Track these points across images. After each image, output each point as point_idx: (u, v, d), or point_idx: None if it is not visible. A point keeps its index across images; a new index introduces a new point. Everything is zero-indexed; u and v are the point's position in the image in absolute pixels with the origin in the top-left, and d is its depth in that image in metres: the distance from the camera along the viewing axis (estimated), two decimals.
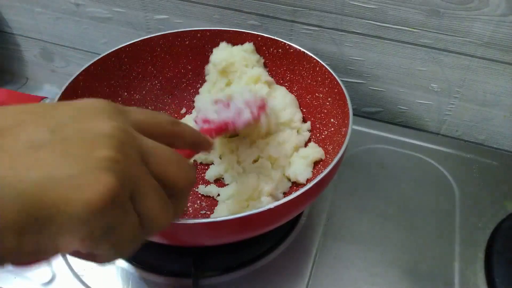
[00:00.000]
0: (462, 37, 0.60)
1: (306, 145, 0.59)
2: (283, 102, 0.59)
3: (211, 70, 0.63)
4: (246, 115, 0.48)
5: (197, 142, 0.32)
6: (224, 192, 0.54)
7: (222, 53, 0.62)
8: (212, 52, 0.65)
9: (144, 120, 0.27)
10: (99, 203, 0.20)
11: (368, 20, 0.63)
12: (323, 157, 0.56)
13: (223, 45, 0.63)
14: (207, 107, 0.49)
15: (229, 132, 0.50)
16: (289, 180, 0.56)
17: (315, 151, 0.56)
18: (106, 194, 0.21)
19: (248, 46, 0.62)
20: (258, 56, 0.63)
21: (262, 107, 0.52)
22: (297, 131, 0.59)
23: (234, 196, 0.52)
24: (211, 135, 0.45)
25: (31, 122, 0.21)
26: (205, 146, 0.34)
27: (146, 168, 0.24)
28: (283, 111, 0.59)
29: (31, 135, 0.21)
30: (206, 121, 0.46)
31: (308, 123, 0.61)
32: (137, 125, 0.25)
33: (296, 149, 0.57)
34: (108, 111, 0.24)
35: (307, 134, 0.60)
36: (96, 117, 0.23)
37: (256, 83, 0.60)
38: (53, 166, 0.20)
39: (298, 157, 0.56)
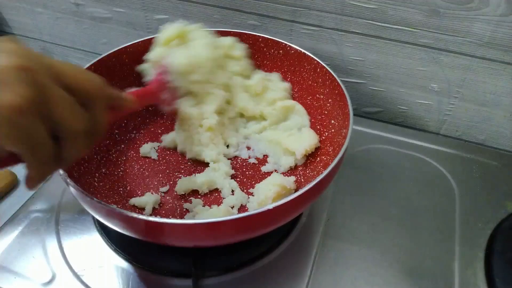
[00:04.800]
0: (462, 37, 0.60)
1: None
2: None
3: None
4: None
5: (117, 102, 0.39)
6: None
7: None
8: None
9: (66, 73, 0.31)
10: (14, 108, 0.26)
11: (368, 20, 0.63)
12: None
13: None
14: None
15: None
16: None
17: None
18: (20, 101, 0.26)
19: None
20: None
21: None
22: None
23: None
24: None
25: None
26: (124, 104, 0.40)
27: (54, 80, 0.29)
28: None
29: None
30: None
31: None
32: (57, 74, 0.30)
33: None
34: (30, 54, 0.29)
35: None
36: (7, 40, 0.29)
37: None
38: None
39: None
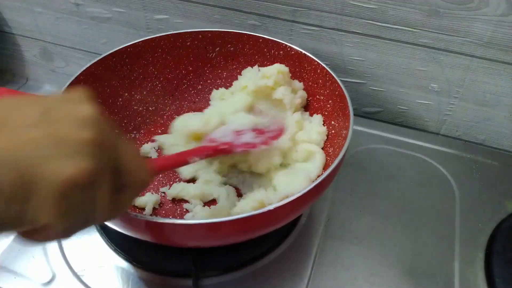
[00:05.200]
0: (462, 37, 0.60)
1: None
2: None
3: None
4: (248, 141, 0.49)
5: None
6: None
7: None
8: (214, 52, 0.65)
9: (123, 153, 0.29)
10: (72, 182, 0.24)
11: (368, 20, 0.63)
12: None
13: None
14: (224, 132, 0.50)
15: (224, 153, 0.49)
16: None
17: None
18: (79, 175, 0.24)
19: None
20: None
21: (275, 136, 0.52)
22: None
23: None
24: (207, 152, 0.46)
25: (26, 106, 0.25)
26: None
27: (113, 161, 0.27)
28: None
29: (25, 116, 0.24)
30: (212, 140, 0.48)
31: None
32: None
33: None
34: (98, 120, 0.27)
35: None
36: (81, 102, 0.27)
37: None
38: (41, 145, 0.23)
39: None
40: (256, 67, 0.64)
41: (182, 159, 0.42)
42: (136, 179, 0.30)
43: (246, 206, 0.49)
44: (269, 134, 0.52)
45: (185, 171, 0.57)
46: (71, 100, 0.27)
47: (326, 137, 0.57)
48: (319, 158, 0.54)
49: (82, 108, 0.26)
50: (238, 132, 0.50)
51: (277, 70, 0.59)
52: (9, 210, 0.22)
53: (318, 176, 0.52)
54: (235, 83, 0.66)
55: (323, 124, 0.58)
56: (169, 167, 0.43)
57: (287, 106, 0.59)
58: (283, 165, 0.55)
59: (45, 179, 0.23)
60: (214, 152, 0.47)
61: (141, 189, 0.31)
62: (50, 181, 0.23)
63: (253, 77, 0.62)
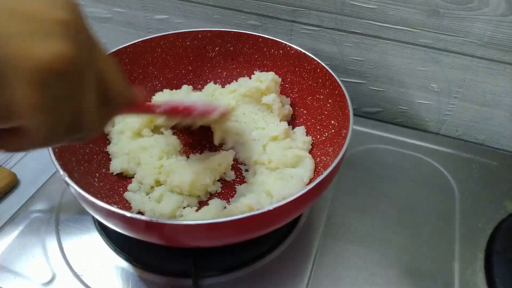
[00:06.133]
0: (462, 37, 0.60)
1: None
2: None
3: None
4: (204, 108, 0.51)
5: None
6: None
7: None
8: (214, 52, 0.65)
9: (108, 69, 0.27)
10: (52, 66, 0.20)
11: (368, 20, 0.63)
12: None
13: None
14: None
15: (183, 114, 0.51)
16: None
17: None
18: (59, 59, 0.21)
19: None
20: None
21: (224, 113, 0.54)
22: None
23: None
24: (171, 109, 0.48)
25: None
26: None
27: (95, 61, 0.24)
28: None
29: None
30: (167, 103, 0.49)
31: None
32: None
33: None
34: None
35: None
36: None
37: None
38: (8, 21, 0.20)
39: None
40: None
41: (152, 107, 0.45)
42: (121, 93, 0.28)
43: (235, 210, 0.49)
44: (220, 109, 0.53)
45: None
46: None
47: (310, 147, 0.58)
48: (309, 162, 0.55)
49: None
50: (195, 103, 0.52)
51: (272, 77, 0.61)
52: None
53: (311, 180, 0.53)
54: (227, 86, 0.66)
55: (307, 134, 0.60)
56: (140, 109, 0.44)
57: (276, 112, 0.61)
58: (271, 169, 0.55)
59: (19, 61, 0.20)
60: (176, 111, 0.49)
61: (124, 105, 0.29)
62: (25, 64, 0.20)
63: (244, 84, 0.63)
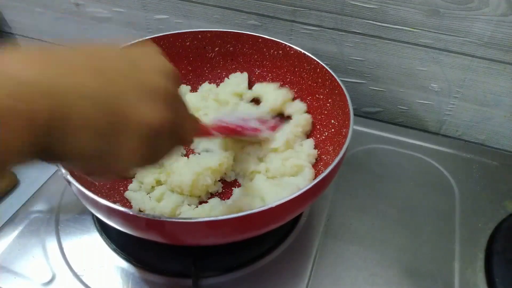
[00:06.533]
0: (462, 37, 0.60)
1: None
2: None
3: None
4: (254, 126, 0.55)
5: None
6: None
7: None
8: (214, 52, 0.65)
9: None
10: (157, 126, 0.27)
11: (368, 20, 0.63)
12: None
13: None
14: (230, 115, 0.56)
15: (235, 134, 0.54)
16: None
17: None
18: (161, 121, 0.27)
19: None
20: None
21: (274, 127, 0.58)
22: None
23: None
24: (225, 130, 0.51)
25: (116, 58, 0.28)
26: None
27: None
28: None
29: (118, 67, 0.27)
30: (222, 122, 0.52)
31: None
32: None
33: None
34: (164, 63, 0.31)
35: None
36: (158, 55, 0.31)
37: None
38: (132, 91, 0.27)
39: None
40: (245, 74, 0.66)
41: (209, 132, 0.47)
42: (191, 135, 0.36)
43: (227, 211, 0.49)
44: (270, 124, 0.58)
45: None
46: (149, 54, 0.31)
47: (314, 160, 0.57)
48: (308, 172, 0.54)
49: (161, 61, 0.30)
50: (245, 119, 0.55)
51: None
52: (100, 142, 0.25)
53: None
54: (222, 85, 0.66)
55: (314, 148, 0.58)
56: (204, 134, 0.47)
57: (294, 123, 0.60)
58: (269, 177, 0.54)
59: (134, 120, 0.26)
60: (229, 132, 0.52)
61: (190, 141, 0.37)
62: (138, 122, 0.26)
63: (238, 83, 0.64)
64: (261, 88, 0.64)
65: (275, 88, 0.63)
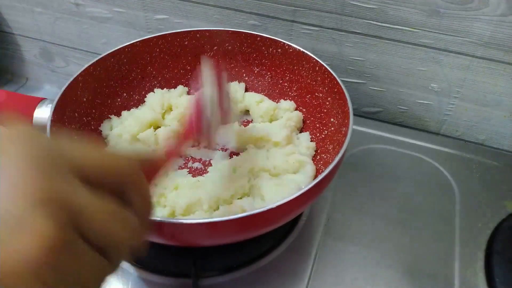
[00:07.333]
0: (462, 37, 0.60)
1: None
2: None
3: None
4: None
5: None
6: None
7: None
8: (212, 51, 0.65)
9: (89, 165, 0.23)
10: (38, 255, 0.18)
11: (368, 20, 0.63)
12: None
13: None
14: None
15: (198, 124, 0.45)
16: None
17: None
18: (47, 244, 0.19)
19: None
20: None
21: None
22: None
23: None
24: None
25: None
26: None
27: (79, 178, 0.22)
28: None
29: None
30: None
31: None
32: (79, 170, 0.22)
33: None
34: (41, 164, 0.20)
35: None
36: (24, 178, 0.19)
37: None
38: None
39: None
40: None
41: (172, 155, 0.39)
42: (119, 172, 0.24)
43: (229, 210, 0.48)
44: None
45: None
46: (8, 164, 0.20)
47: (314, 152, 0.58)
48: (310, 169, 0.54)
49: (12, 146, 0.20)
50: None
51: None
52: None
53: None
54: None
55: (311, 140, 0.59)
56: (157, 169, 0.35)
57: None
58: (273, 175, 0.54)
59: (11, 265, 0.18)
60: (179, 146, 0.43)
61: (137, 179, 0.26)
62: (18, 264, 0.18)
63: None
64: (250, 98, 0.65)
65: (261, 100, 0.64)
